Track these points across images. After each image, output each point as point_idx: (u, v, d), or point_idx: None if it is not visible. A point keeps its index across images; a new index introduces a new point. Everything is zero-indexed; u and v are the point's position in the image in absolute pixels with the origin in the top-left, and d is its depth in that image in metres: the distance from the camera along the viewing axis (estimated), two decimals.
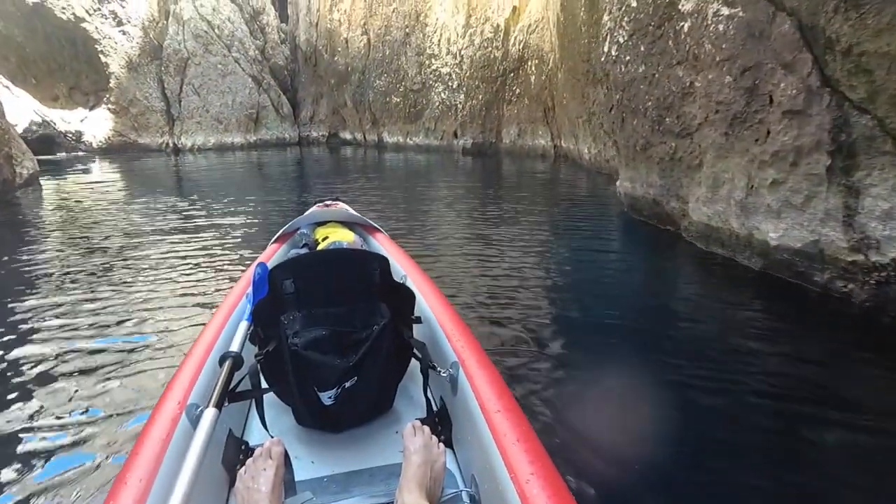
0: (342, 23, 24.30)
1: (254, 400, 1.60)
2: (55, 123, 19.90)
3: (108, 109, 21.33)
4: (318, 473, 1.49)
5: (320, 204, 3.97)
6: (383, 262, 1.79)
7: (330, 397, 1.56)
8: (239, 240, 6.40)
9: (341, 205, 3.94)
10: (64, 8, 19.96)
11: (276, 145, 25.22)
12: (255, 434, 1.68)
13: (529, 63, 17.07)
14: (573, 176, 13.04)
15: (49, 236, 6.87)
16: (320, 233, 3.16)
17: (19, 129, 18.10)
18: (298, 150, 24.16)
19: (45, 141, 19.46)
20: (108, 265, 5.30)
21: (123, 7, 21.29)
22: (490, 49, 18.12)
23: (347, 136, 26.59)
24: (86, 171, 15.41)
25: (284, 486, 1.28)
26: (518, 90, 17.67)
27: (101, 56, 20.78)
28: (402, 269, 2.51)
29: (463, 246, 6.25)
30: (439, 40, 19.93)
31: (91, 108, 21.26)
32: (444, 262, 5.49)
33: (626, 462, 2.23)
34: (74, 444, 2.37)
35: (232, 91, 24.03)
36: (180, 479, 1.06)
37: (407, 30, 21.08)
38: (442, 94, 20.18)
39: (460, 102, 19.50)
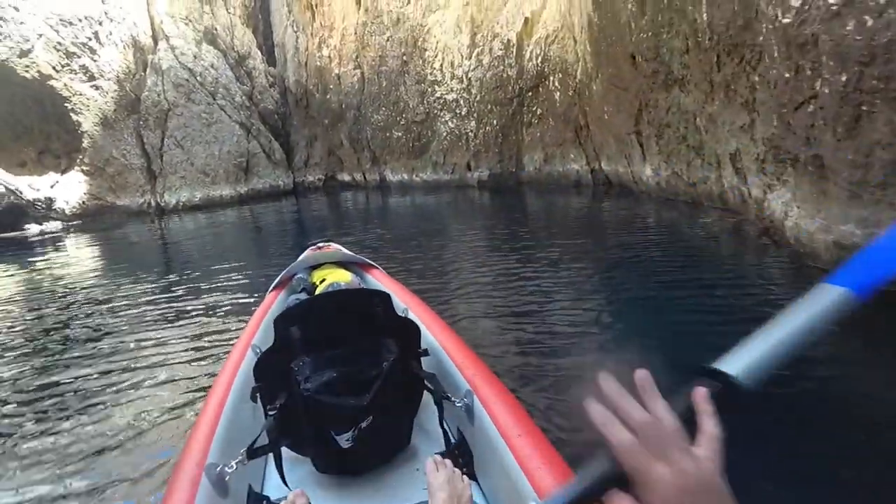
0: (332, 59, 21.54)
1: (272, 454, 1.51)
2: (21, 192, 16.79)
3: (82, 171, 18.20)
4: None
5: (313, 247, 3.73)
6: (385, 298, 1.72)
7: (347, 439, 1.49)
8: (238, 317, 5.02)
9: (334, 245, 3.74)
10: (27, 66, 16.98)
11: (270, 195, 22.10)
12: (273, 488, 1.57)
13: (551, 78, 14.15)
14: (633, 208, 9.94)
15: None
16: (317, 275, 3.03)
17: None
18: (294, 199, 20.96)
19: (12, 212, 16.46)
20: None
21: (95, 61, 18.31)
22: (502, 68, 15.23)
23: (346, 177, 23.59)
24: (46, 255, 12.20)
25: None
26: (539, 110, 14.73)
27: (72, 114, 17.77)
28: (403, 303, 2.36)
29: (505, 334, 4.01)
30: (441, 65, 17.06)
31: (63, 172, 18.17)
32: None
33: None
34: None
35: (218, 140, 21.03)
36: None
37: (404, 57, 18.23)
38: (449, 124, 17.23)
39: (471, 130, 16.53)
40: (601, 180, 13.25)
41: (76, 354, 4.49)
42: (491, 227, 10.47)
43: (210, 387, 1.79)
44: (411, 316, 2.11)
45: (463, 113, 16.68)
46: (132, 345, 4.57)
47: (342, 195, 20.46)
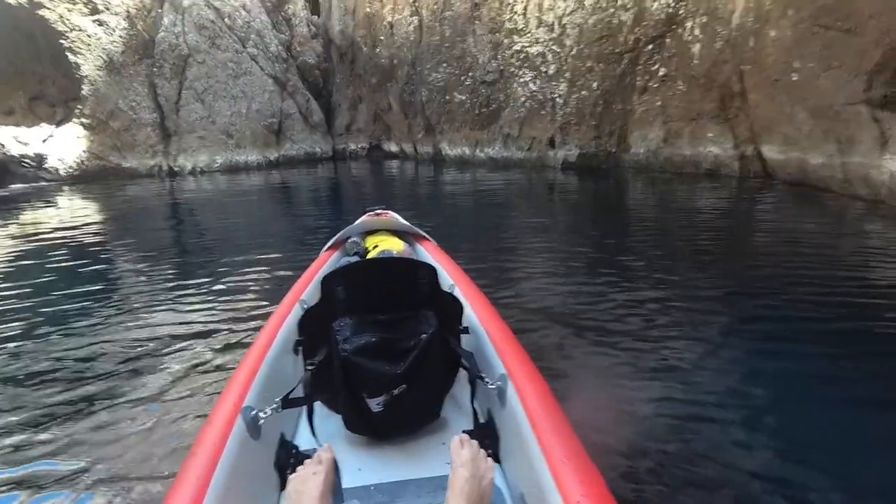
0: (385, 4, 17.63)
1: (305, 407, 1.57)
2: (4, 146, 13.72)
3: (81, 124, 14.93)
4: (364, 481, 1.42)
5: (371, 213, 3.71)
6: (431, 270, 1.69)
7: (378, 404, 1.49)
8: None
9: (391, 213, 3.67)
10: None
11: (304, 162, 18.77)
12: (303, 439, 1.63)
13: (689, 24, 9.93)
14: (840, 220, 6.02)
15: None
16: (371, 241, 3.05)
17: None
18: (333, 165, 17.77)
19: None
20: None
21: None
22: (612, 10, 11.06)
23: (393, 147, 19.87)
24: (42, 207, 9.46)
25: (332, 492, 1.17)
26: (663, 70, 10.55)
27: (68, 54, 14.55)
28: (451, 278, 2.28)
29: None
30: (526, 7, 12.94)
31: (58, 124, 15.04)
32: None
33: None
34: (138, 439, 2.27)
35: (247, 96, 17.50)
36: (236, 480, 1.10)
37: None
38: (531, 85, 13.18)
39: (560, 95, 12.48)
40: (754, 171, 9.13)
41: (100, 312, 3.92)
42: (575, 225, 7.15)
43: (255, 336, 1.77)
44: (457, 292, 2.03)
45: (550, 72, 12.60)
46: (168, 299, 4.16)
47: (386, 165, 17.06)
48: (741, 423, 2.29)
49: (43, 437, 2.34)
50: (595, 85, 11.61)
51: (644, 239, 5.74)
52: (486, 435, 1.50)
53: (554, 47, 12.33)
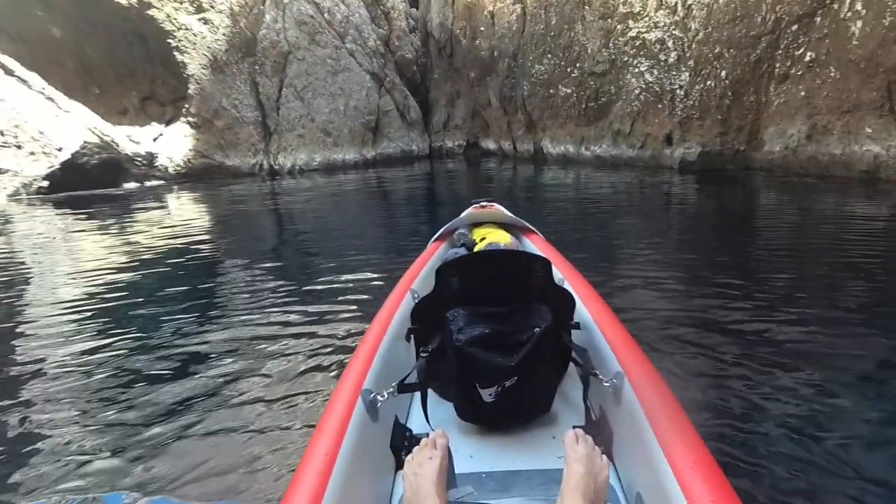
0: None
1: (419, 392, 1.60)
2: (118, 145, 14.38)
3: (188, 123, 15.53)
4: (476, 469, 1.43)
5: (476, 205, 3.64)
6: (546, 264, 1.66)
7: (490, 394, 1.51)
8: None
9: (496, 206, 3.58)
10: None
11: (401, 160, 18.58)
12: (416, 423, 1.65)
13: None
14: None
15: None
16: (477, 233, 3.07)
17: (66, 154, 13.03)
18: (429, 164, 17.53)
19: (108, 168, 13.84)
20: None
21: None
22: None
23: (490, 145, 19.14)
24: (152, 209, 10.04)
25: (446, 477, 1.21)
26: (811, 54, 8.86)
27: (175, 53, 15.10)
28: (560, 272, 2.22)
29: None
30: None
31: (167, 123, 15.80)
32: None
33: None
34: (270, 419, 2.35)
35: (345, 93, 17.56)
36: (358, 457, 1.15)
37: None
38: (646, 76, 11.85)
39: (681, 85, 11.06)
40: None
41: (224, 305, 4.10)
42: (698, 234, 6.13)
43: (369, 324, 1.83)
44: (567, 286, 1.98)
45: (670, 60, 11.21)
46: (282, 293, 4.22)
47: (483, 163, 16.54)
48: None
49: (172, 426, 2.41)
50: (724, 73, 10.12)
51: (788, 258, 4.64)
52: (600, 432, 1.46)
53: (676, 32, 10.94)
